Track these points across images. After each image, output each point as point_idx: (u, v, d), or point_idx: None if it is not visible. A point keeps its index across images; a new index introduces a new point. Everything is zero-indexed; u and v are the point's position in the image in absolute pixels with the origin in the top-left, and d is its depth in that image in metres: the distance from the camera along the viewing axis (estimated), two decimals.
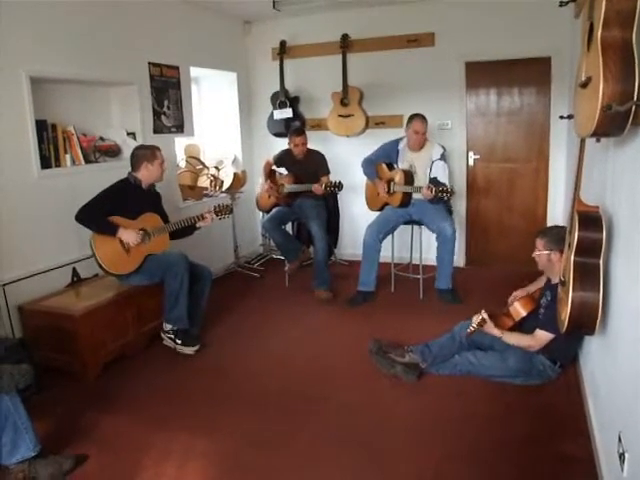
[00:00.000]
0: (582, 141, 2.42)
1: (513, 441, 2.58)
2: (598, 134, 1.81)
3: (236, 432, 2.74)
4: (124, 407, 3.03)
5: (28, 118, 3.45)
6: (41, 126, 3.58)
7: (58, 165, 3.76)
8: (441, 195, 4.10)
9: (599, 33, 1.67)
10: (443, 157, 4.48)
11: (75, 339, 3.25)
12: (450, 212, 4.69)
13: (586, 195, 2.36)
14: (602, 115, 1.64)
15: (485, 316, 3.11)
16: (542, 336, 2.97)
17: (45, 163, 3.63)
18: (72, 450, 2.59)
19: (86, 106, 4.20)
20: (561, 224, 3.56)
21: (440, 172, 4.41)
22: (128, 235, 3.47)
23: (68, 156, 3.83)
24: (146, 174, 3.64)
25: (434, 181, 4.35)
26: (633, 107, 1.59)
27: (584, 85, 1.89)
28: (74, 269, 3.82)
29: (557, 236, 2.95)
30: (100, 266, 3.49)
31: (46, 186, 3.62)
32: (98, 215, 3.43)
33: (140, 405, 3.05)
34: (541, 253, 3.03)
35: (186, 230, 3.82)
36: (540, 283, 3.37)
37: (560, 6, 3.12)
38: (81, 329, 3.25)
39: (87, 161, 4.01)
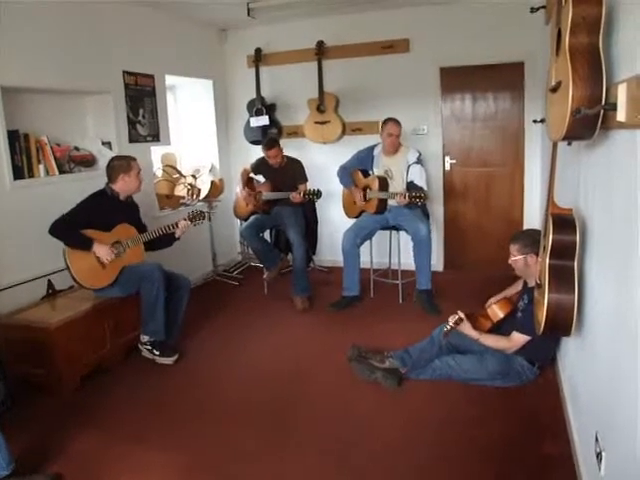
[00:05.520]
0: (554, 145, 2.45)
1: (494, 443, 2.59)
2: (569, 138, 1.84)
3: (216, 444, 2.71)
4: (102, 422, 2.97)
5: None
6: (13, 136, 3.52)
7: (31, 176, 3.70)
8: (415, 201, 4.12)
9: (567, 39, 1.70)
10: (419, 160, 4.50)
11: (50, 352, 3.19)
12: (427, 216, 4.71)
13: (560, 198, 2.38)
14: (572, 119, 1.66)
15: (462, 315, 3.13)
16: (518, 338, 3.00)
17: (18, 174, 3.57)
18: (48, 467, 2.53)
19: (60, 116, 4.14)
20: (537, 227, 3.60)
21: (417, 175, 4.43)
22: (102, 251, 3.43)
23: (42, 166, 3.77)
24: (123, 185, 3.60)
25: (411, 185, 4.38)
26: (601, 111, 1.61)
27: (554, 90, 1.92)
28: (49, 281, 3.74)
29: (530, 239, 2.97)
30: (75, 281, 3.44)
31: (19, 197, 3.56)
32: (72, 229, 3.38)
33: (118, 419, 2.99)
34: (517, 258, 3.04)
35: (164, 240, 3.77)
36: (517, 287, 3.39)
37: (531, 12, 3.18)
38: (57, 342, 3.19)
39: (61, 171, 3.95)
